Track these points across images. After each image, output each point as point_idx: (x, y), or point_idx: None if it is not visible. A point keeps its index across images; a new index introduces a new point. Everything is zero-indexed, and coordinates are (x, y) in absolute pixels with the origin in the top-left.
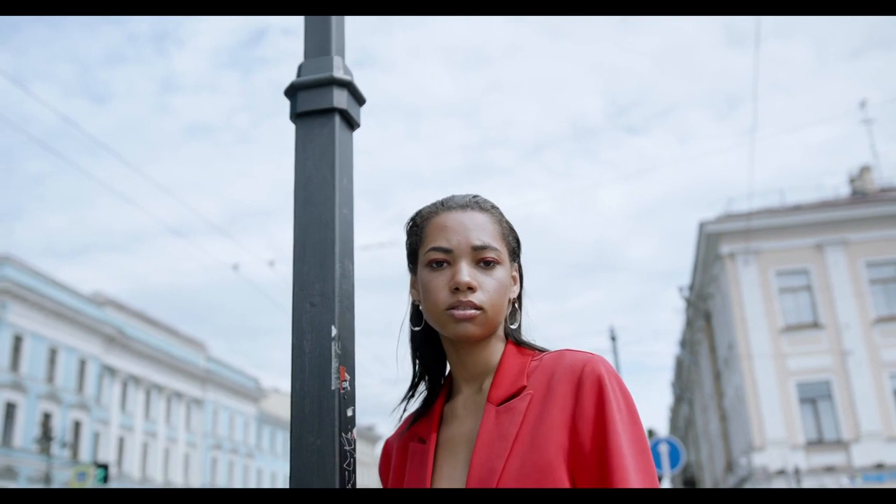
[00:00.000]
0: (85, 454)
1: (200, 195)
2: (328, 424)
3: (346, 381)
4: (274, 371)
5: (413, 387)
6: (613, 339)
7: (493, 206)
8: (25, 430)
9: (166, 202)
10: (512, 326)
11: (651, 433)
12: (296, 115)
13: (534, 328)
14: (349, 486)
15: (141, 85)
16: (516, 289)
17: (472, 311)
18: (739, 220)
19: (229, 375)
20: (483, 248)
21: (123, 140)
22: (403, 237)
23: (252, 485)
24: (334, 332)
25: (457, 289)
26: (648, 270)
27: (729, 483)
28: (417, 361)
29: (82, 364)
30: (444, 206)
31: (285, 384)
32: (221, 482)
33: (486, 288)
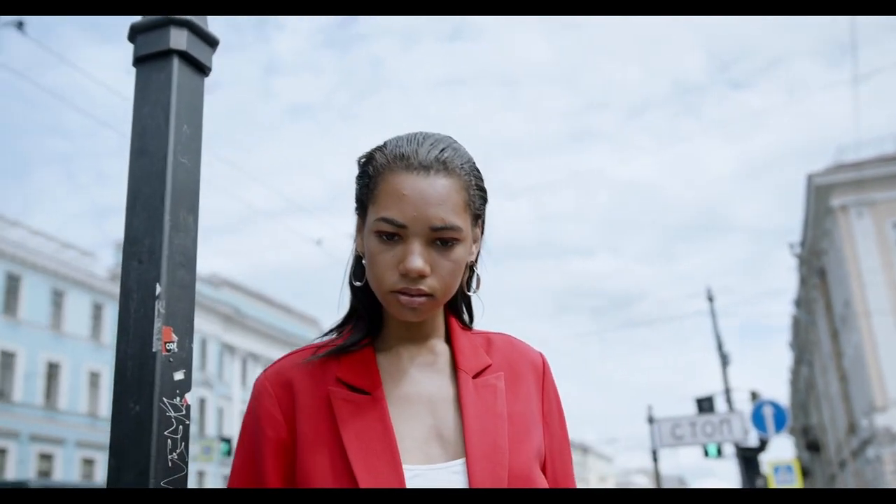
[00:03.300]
0: (210, 429)
1: (305, 174)
2: (147, 389)
3: (172, 342)
4: None
5: (345, 324)
6: (710, 299)
7: (463, 164)
8: None
9: (274, 183)
10: (469, 293)
11: (755, 395)
12: (135, 61)
13: (483, 287)
14: (175, 455)
15: (245, 70)
16: (476, 248)
17: (422, 300)
18: (850, 171)
19: None
20: (443, 228)
21: (231, 124)
22: (502, 205)
23: None
24: (158, 290)
25: (406, 273)
26: (759, 229)
27: (852, 445)
28: (357, 305)
29: (203, 343)
30: (404, 161)
31: None
32: None
33: (440, 271)
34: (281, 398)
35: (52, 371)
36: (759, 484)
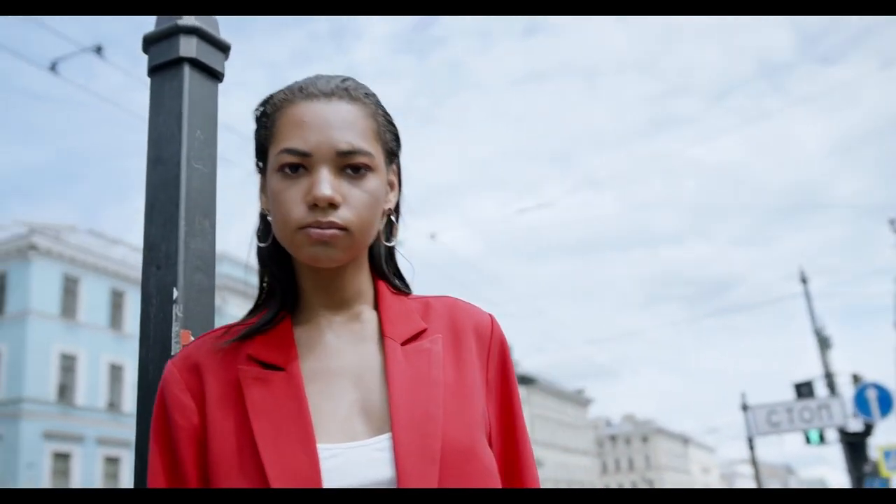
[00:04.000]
0: None
1: None
2: None
3: None
4: None
5: (258, 307)
6: (804, 281)
7: (368, 94)
8: None
9: None
10: (388, 244)
11: (857, 379)
12: (149, 71)
13: (406, 244)
14: None
15: None
16: (393, 197)
17: (334, 232)
18: None
19: None
20: (351, 152)
21: None
22: (589, 197)
23: None
24: (175, 294)
25: (315, 204)
26: (858, 205)
27: None
28: (265, 280)
29: None
30: (303, 91)
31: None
32: None
33: (354, 202)
34: (190, 383)
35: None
36: (867, 470)
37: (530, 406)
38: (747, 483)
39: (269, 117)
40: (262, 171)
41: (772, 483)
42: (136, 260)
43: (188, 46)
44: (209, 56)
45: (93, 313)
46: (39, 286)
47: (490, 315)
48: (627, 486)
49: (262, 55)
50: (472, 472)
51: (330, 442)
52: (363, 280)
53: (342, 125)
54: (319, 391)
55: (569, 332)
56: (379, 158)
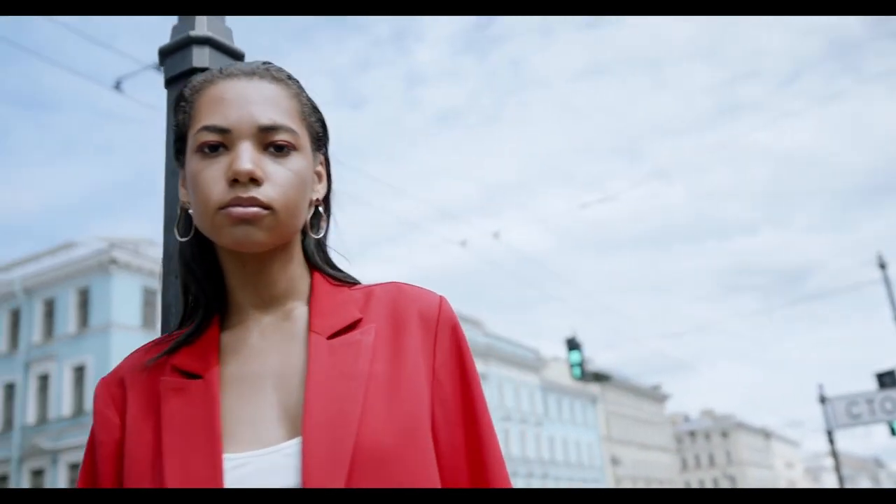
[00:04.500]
0: None
1: (458, 178)
2: None
3: None
4: (551, 339)
5: (187, 318)
6: (882, 266)
7: (291, 78)
8: None
9: (424, 190)
10: (315, 236)
11: None
12: (165, 83)
13: (344, 243)
14: None
15: (389, 84)
16: (321, 188)
17: (256, 210)
18: None
19: (509, 349)
20: (273, 127)
21: (380, 138)
22: (657, 188)
23: (544, 452)
24: None
25: (235, 180)
26: None
27: None
28: (191, 285)
29: None
30: (224, 72)
31: (563, 352)
32: (515, 452)
33: (277, 180)
34: (116, 398)
35: None
36: None
37: (605, 403)
38: (832, 478)
39: (188, 101)
40: (182, 163)
41: (860, 478)
42: None
43: (201, 57)
44: (222, 65)
45: None
46: (120, 299)
47: (440, 297)
48: (708, 482)
49: (325, 63)
50: (391, 472)
51: (241, 450)
52: (295, 274)
53: (264, 101)
54: (238, 397)
55: (641, 327)
56: (304, 140)
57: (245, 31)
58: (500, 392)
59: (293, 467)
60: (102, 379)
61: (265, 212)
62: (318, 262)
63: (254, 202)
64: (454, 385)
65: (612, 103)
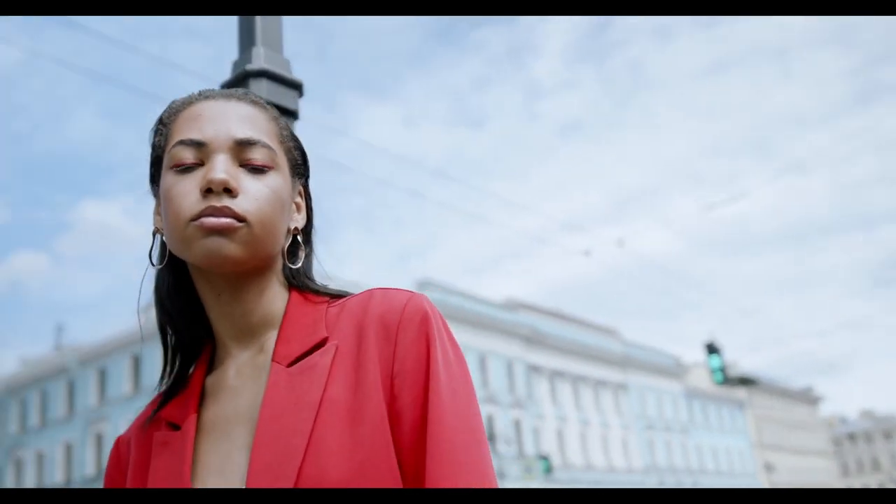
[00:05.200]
0: (528, 448)
1: (582, 188)
2: None
3: None
4: (691, 345)
5: (171, 363)
6: None
7: (271, 105)
8: None
9: (549, 203)
10: (293, 266)
11: None
12: None
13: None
14: None
15: (508, 100)
16: (300, 218)
17: (229, 221)
18: None
19: (647, 356)
20: (250, 142)
21: (504, 153)
22: (794, 183)
23: (693, 461)
24: None
25: (209, 190)
26: None
27: None
28: (167, 325)
29: (509, 366)
30: (202, 94)
31: (704, 357)
32: (661, 461)
33: (253, 194)
34: (122, 457)
35: None
36: None
37: (754, 408)
38: None
39: (165, 123)
40: (157, 193)
41: None
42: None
43: (258, 89)
44: (280, 96)
45: None
46: None
47: (410, 295)
48: (874, 487)
49: (443, 86)
50: None
51: None
52: (272, 303)
53: (241, 119)
54: (212, 443)
55: (786, 328)
56: (282, 161)
57: (363, 61)
58: (641, 400)
59: None
60: (117, 437)
61: (239, 224)
62: (299, 277)
63: (227, 212)
64: (415, 391)
65: (738, 99)
